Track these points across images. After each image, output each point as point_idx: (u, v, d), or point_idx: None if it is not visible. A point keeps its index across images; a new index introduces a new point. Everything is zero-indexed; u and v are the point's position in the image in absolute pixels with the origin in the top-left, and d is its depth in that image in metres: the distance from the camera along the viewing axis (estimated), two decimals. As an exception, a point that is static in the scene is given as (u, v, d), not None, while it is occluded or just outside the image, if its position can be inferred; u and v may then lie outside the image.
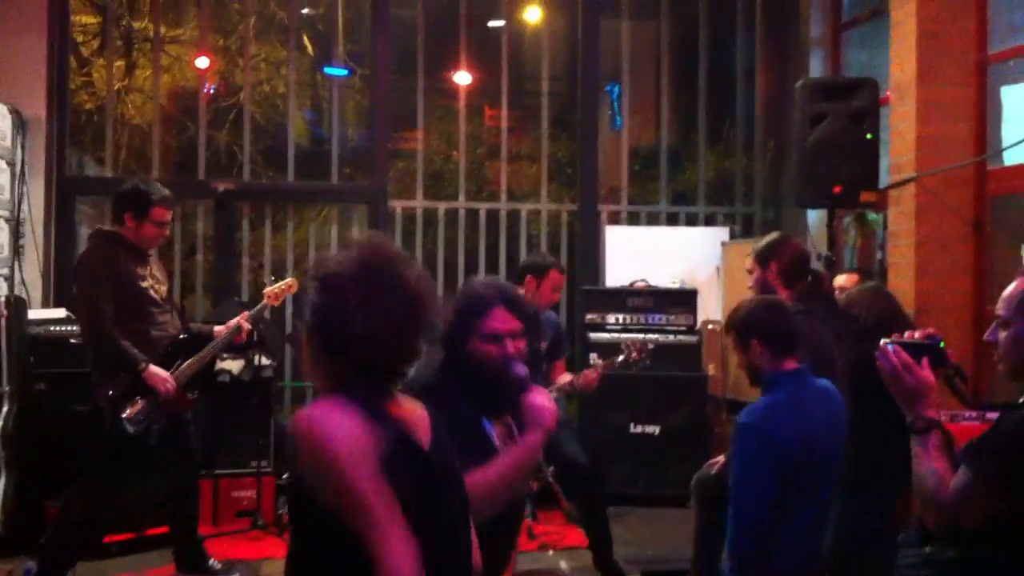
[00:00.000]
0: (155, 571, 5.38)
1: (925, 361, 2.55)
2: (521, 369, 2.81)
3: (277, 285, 5.51)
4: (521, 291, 5.64)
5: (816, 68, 7.73)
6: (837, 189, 5.84)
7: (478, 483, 2.55)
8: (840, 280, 5.34)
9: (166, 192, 5.09)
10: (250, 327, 5.31)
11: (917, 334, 2.69)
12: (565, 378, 5.59)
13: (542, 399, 2.75)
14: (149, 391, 4.83)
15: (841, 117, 5.88)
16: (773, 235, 4.74)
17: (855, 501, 3.73)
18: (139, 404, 4.83)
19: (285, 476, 6.66)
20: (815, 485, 3.40)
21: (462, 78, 8.17)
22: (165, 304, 5.15)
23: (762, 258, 4.52)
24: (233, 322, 5.21)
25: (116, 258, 4.93)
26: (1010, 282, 2.60)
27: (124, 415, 4.79)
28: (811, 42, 7.82)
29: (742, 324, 3.55)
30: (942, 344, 2.62)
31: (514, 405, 2.77)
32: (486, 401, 2.84)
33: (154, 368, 4.85)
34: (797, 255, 4.53)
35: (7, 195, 6.26)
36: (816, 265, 6.16)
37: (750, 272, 4.62)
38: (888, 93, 6.27)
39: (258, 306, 5.42)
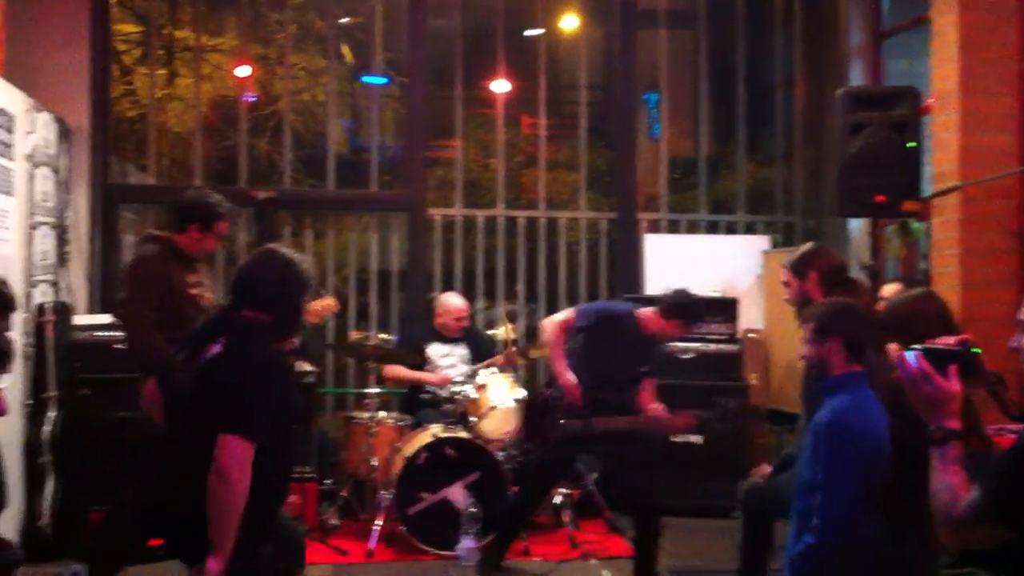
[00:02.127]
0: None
1: (953, 369, 2.44)
2: None
3: (318, 303, 5.55)
4: None
5: (856, 77, 7.71)
6: (879, 198, 5.81)
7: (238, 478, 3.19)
8: (887, 290, 5.31)
9: (230, 206, 5.20)
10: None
11: (951, 340, 2.57)
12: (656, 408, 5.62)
13: None
14: None
15: (882, 127, 5.85)
16: (807, 246, 4.72)
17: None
18: None
19: (327, 482, 6.71)
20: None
21: (499, 86, 8.20)
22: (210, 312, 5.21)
23: (798, 269, 4.51)
24: None
25: (166, 263, 4.98)
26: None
27: None
28: (851, 51, 7.80)
29: (827, 319, 3.58)
30: (975, 351, 2.48)
31: None
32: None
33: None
34: (835, 264, 4.51)
35: (52, 203, 6.33)
36: (859, 275, 6.15)
37: (786, 284, 4.60)
38: (930, 102, 6.23)
39: None
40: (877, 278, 6.06)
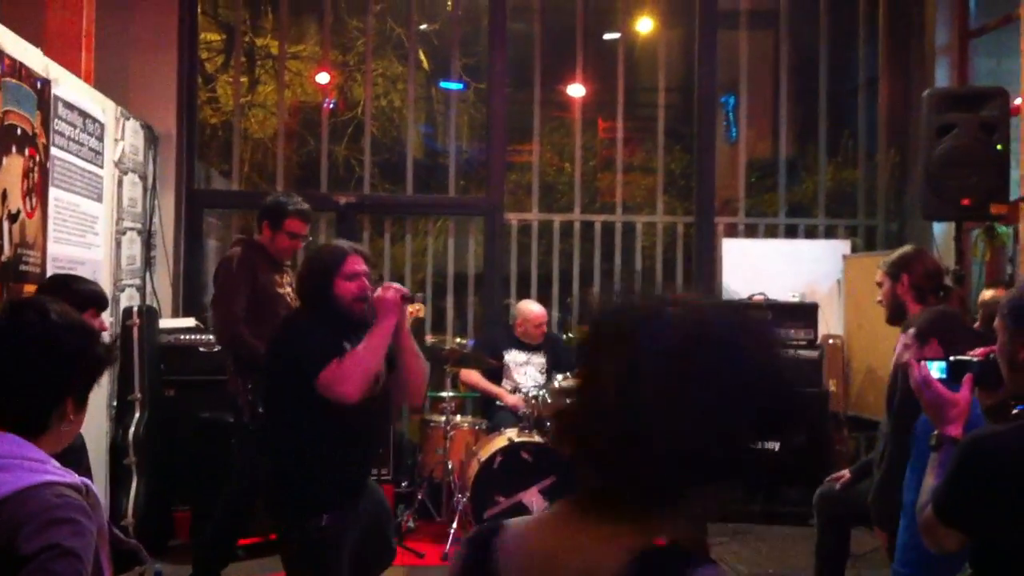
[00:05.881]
0: (277, 575, 5.49)
1: (967, 379, 2.51)
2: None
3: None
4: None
5: (942, 77, 7.53)
6: (966, 201, 5.67)
7: (353, 358, 3.41)
8: (987, 295, 5.16)
9: (304, 207, 5.23)
10: None
11: (979, 351, 2.61)
12: None
13: (386, 292, 3.53)
14: None
15: (970, 127, 5.71)
16: (906, 248, 4.62)
17: None
18: None
19: (404, 484, 6.76)
20: None
21: (576, 90, 8.18)
22: None
23: (893, 271, 4.41)
24: None
25: (254, 263, 5.08)
26: None
27: (261, 410, 4.92)
28: (937, 50, 7.62)
29: (924, 325, 3.60)
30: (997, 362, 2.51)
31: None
32: (347, 326, 3.58)
33: None
34: (930, 269, 4.40)
35: (139, 208, 6.49)
36: (946, 280, 6.00)
37: (879, 285, 4.51)
38: (1018, 103, 6.06)
39: None
40: (963, 283, 5.91)
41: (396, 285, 3.62)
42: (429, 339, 7.40)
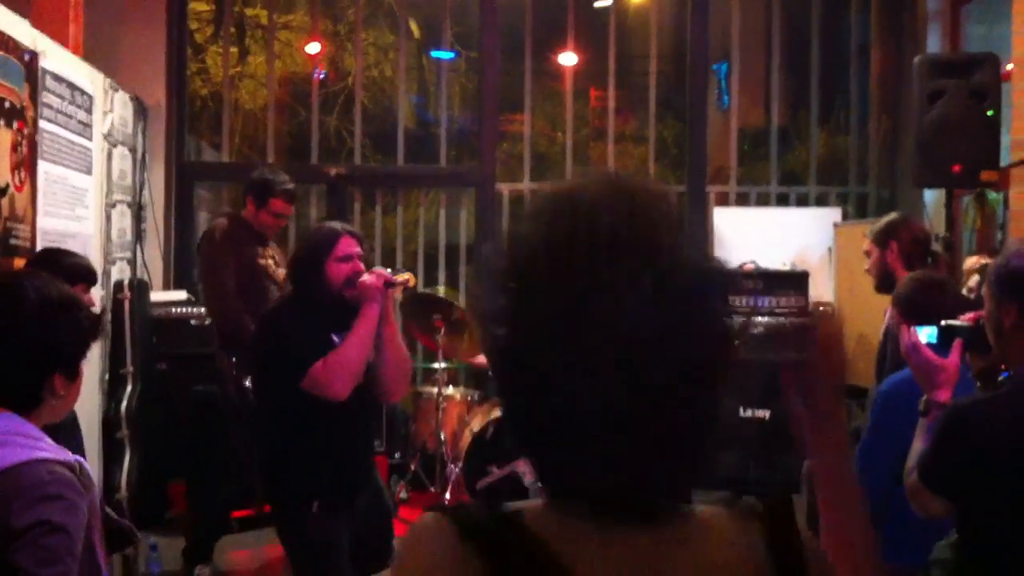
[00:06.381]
0: (271, 546, 5.52)
1: (956, 344, 2.52)
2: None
3: (395, 277, 5.57)
4: None
5: (933, 43, 7.50)
6: (956, 168, 5.67)
7: (340, 355, 3.38)
8: (971, 261, 5.18)
9: (290, 187, 5.22)
10: None
11: (969, 315, 2.62)
12: None
13: (369, 278, 3.50)
14: None
15: (961, 94, 5.69)
16: (892, 215, 4.64)
17: None
18: None
19: (397, 455, 6.79)
20: None
21: (568, 59, 8.13)
22: (283, 286, 5.29)
23: (880, 239, 4.42)
24: None
25: (238, 236, 5.08)
26: None
27: (247, 383, 4.94)
28: (928, 16, 7.59)
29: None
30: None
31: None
32: (336, 312, 3.53)
33: None
34: (918, 235, 4.42)
35: (129, 181, 6.46)
36: (935, 246, 6.01)
37: (868, 254, 4.52)
38: (1010, 69, 6.04)
39: None
40: (953, 250, 5.92)
41: (379, 270, 3.57)
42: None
